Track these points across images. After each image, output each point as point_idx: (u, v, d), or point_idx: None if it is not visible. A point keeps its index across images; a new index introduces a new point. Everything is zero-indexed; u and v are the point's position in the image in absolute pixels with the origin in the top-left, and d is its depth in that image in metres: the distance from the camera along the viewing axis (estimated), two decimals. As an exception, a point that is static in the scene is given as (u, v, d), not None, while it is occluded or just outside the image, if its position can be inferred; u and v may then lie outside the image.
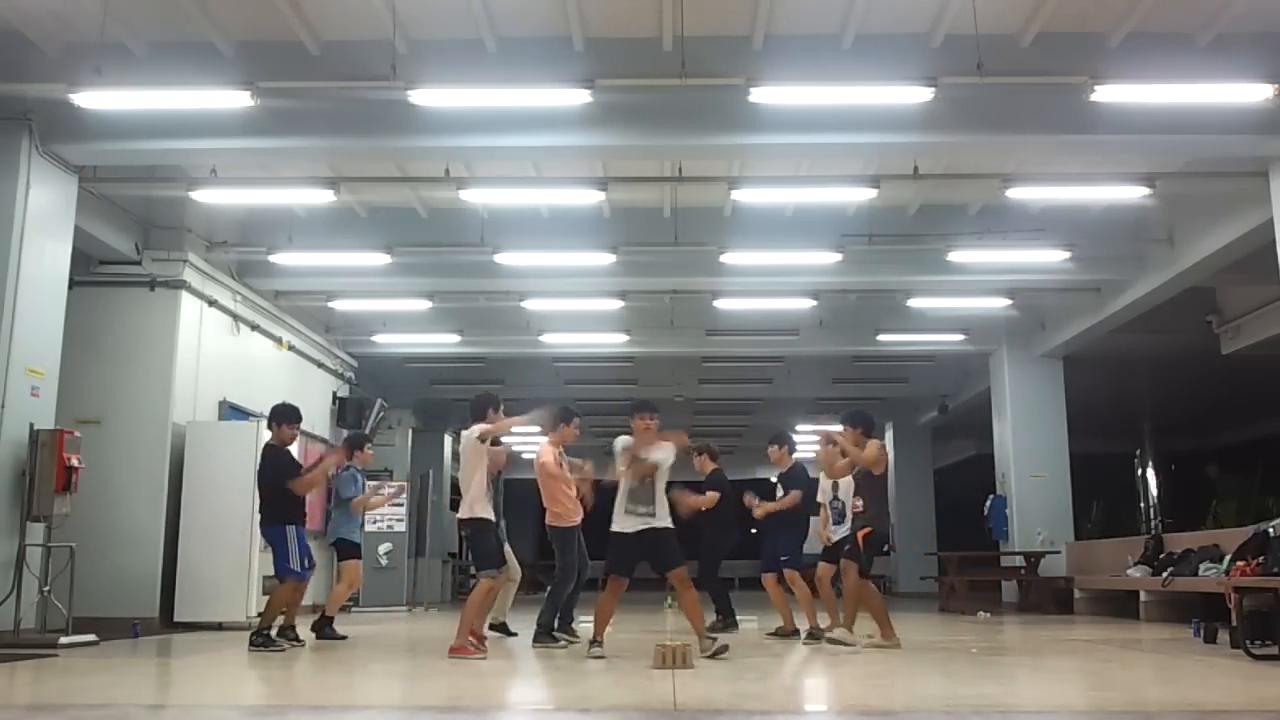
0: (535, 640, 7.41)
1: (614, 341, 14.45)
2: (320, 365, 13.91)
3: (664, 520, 6.43)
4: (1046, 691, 5.14)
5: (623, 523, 6.44)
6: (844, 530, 7.91)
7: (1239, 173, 8.98)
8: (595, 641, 6.52)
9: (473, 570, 7.34)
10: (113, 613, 8.90)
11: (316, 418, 13.66)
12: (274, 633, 7.42)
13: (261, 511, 7.64)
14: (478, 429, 6.78)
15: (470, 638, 6.71)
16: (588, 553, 7.79)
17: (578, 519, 7.57)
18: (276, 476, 7.48)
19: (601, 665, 6.18)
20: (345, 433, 12.07)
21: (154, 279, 10.17)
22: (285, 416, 7.66)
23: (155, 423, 9.85)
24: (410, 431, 17.22)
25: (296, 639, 7.63)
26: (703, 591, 7.42)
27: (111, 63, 7.61)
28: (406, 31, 7.90)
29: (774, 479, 8.81)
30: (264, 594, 9.76)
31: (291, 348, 12.93)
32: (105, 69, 7.49)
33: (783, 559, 8.26)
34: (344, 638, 8.22)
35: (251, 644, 7.24)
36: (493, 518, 6.87)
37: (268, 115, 7.92)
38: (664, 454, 6.47)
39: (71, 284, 8.70)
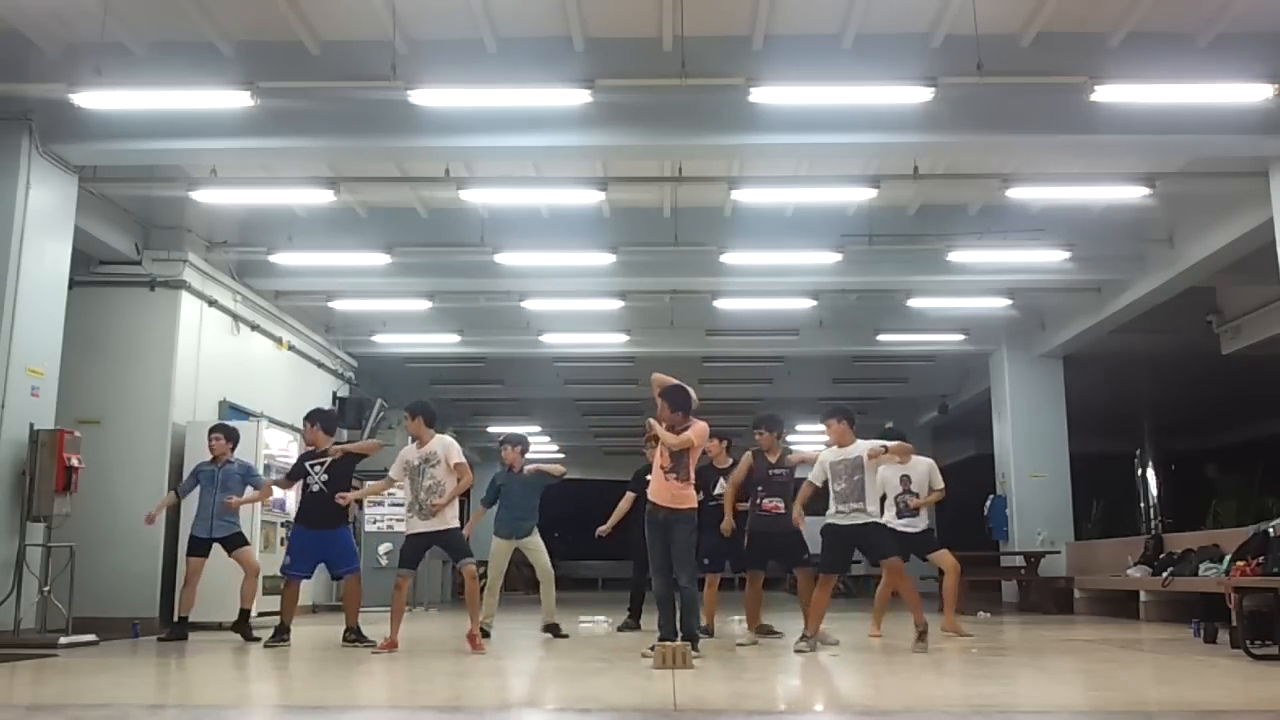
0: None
1: (614, 341, 14.45)
2: (320, 365, 13.91)
3: (877, 515, 7.01)
4: (1046, 691, 5.14)
5: (837, 518, 6.88)
6: (920, 524, 8.14)
7: (1239, 173, 8.98)
8: (806, 636, 6.96)
9: None
10: (113, 613, 8.89)
11: (316, 418, 13.66)
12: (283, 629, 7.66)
13: None
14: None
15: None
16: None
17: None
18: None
19: (602, 666, 6.18)
20: (346, 433, 12.11)
21: (154, 279, 10.17)
22: (314, 418, 7.96)
23: (155, 423, 9.85)
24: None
25: (360, 639, 7.57)
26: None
27: (111, 63, 7.60)
28: (406, 31, 7.90)
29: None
30: (264, 594, 9.78)
31: (291, 348, 12.93)
32: (105, 69, 7.48)
33: (705, 562, 8.19)
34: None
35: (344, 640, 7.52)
36: None
37: (268, 115, 7.92)
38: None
39: (71, 284, 8.71)
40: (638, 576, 8.98)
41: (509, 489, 8.40)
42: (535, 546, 8.38)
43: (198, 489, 8.31)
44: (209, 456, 8.41)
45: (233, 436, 8.45)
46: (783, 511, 7.68)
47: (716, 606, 8.65)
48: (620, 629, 9.03)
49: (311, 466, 7.69)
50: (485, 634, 7.81)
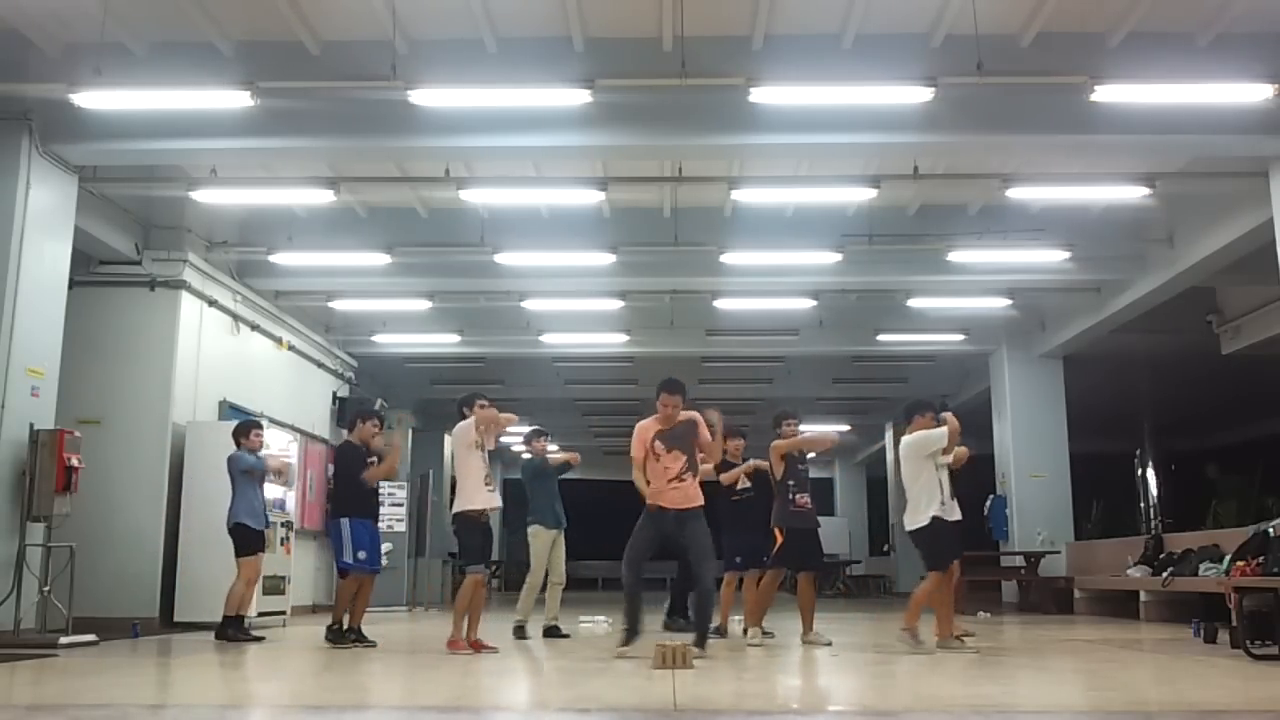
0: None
1: (614, 341, 14.46)
2: (320, 365, 13.91)
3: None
4: (1046, 691, 5.14)
5: (944, 511, 6.92)
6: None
7: (1239, 173, 8.98)
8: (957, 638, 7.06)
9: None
10: (113, 613, 8.91)
11: (316, 418, 13.67)
12: (344, 628, 7.56)
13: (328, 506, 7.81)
14: None
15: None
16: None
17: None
18: (344, 470, 7.85)
19: (602, 666, 6.18)
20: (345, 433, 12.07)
21: (154, 279, 10.17)
22: (365, 414, 8.09)
23: (155, 423, 9.86)
24: (410, 431, 17.21)
25: (361, 639, 7.52)
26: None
27: (111, 63, 7.61)
28: (406, 31, 7.90)
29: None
30: (264, 594, 9.78)
31: (291, 348, 12.93)
32: (105, 69, 7.48)
33: (737, 560, 8.18)
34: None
35: (326, 638, 7.51)
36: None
37: (268, 115, 7.93)
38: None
39: (71, 284, 8.71)
40: (683, 573, 8.60)
41: (547, 475, 8.56)
42: (560, 545, 8.45)
43: (236, 483, 8.36)
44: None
45: None
46: (811, 507, 7.65)
47: (730, 606, 8.57)
48: (667, 628, 8.84)
49: (369, 461, 7.83)
50: (522, 632, 8.09)
